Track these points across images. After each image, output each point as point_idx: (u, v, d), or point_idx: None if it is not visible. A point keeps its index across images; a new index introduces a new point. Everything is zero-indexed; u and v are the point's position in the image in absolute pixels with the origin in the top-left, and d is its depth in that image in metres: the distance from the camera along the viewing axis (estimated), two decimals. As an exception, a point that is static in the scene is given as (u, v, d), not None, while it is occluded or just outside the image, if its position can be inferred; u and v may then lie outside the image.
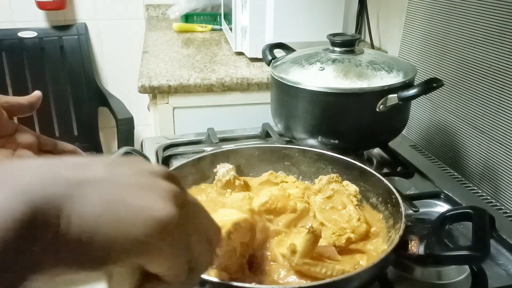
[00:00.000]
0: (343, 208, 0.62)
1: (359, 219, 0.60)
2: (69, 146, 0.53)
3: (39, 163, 0.26)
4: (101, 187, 0.26)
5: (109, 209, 0.25)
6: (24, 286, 0.23)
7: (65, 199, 0.24)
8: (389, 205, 0.62)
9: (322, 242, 0.55)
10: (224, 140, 0.95)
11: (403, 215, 0.56)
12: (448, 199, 0.77)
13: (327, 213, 0.62)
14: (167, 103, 1.17)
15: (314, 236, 0.50)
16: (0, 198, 0.22)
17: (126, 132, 1.80)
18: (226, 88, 1.17)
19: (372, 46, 1.36)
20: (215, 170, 0.69)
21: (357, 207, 0.63)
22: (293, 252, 0.51)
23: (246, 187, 0.70)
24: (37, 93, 0.51)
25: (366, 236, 0.59)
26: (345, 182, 0.68)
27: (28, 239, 0.22)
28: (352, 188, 0.66)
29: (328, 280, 0.48)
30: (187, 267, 0.29)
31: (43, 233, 0.23)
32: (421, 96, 0.76)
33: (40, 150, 0.50)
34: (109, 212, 0.25)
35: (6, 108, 0.47)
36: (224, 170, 0.68)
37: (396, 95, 0.76)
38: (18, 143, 0.48)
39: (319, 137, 0.82)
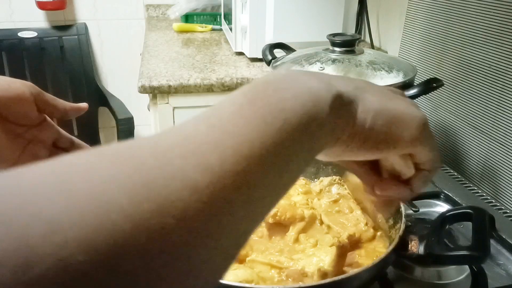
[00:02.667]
0: (350, 212, 0.62)
1: (366, 224, 0.60)
2: (84, 144, 0.56)
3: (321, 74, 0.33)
4: (372, 92, 0.33)
5: (383, 107, 0.33)
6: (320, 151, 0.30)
7: (355, 95, 0.31)
8: (389, 205, 0.62)
9: (325, 246, 0.55)
10: (224, 140, 0.95)
11: (403, 215, 0.56)
12: (448, 199, 0.77)
13: (334, 216, 0.62)
14: (167, 103, 1.17)
15: (344, 248, 0.50)
16: (314, 83, 0.29)
17: (126, 132, 1.80)
18: (226, 88, 1.17)
19: (372, 46, 1.36)
20: None
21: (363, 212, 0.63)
22: (325, 275, 0.51)
23: None
24: (78, 105, 0.52)
25: (371, 239, 0.59)
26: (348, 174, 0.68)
27: (335, 113, 0.29)
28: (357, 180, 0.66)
29: (328, 280, 0.48)
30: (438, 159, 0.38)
31: (346, 116, 0.30)
32: (421, 96, 0.76)
33: (57, 147, 0.53)
34: (384, 109, 0.33)
35: (38, 104, 0.48)
36: None
37: (396, 95, 0.75)
38: (35, 136, 0.50)
39: (319, 137, 0.82)
